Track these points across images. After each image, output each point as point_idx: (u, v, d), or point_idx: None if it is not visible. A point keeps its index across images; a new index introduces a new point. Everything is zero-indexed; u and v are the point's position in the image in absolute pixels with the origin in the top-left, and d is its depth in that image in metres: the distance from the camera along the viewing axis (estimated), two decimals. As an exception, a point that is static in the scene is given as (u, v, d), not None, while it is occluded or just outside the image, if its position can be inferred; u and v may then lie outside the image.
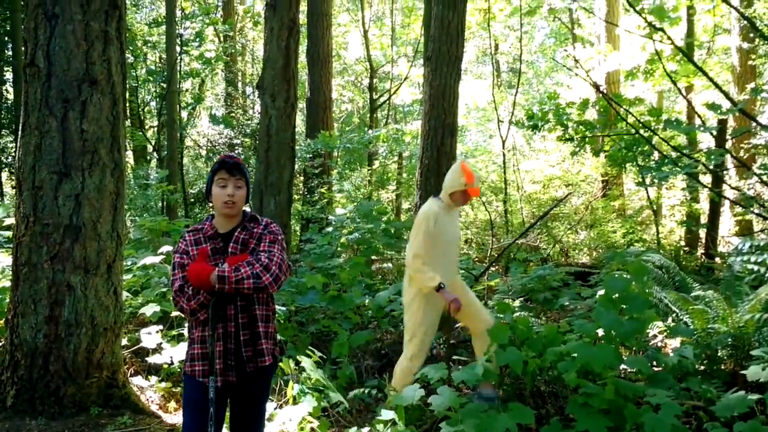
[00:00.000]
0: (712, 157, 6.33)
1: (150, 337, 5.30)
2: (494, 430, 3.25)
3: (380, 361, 6.31)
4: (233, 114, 19.95)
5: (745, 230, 10.61)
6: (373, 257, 10.58)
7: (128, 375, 5.03)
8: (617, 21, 13.96)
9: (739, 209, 10.11)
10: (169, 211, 13.95)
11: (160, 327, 5.53)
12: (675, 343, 5.53)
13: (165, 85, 15.38)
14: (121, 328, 4.91)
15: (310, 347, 5.42)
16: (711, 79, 6.67)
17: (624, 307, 3.73)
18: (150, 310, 5.59)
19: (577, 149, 8.18)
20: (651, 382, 3.80)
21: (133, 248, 7.98)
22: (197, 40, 17.21)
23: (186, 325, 5.37)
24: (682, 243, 10.94)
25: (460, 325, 6.75)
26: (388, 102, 19.49)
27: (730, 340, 4.66)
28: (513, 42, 23.30)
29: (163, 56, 18.42)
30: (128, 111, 17.46)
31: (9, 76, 17.03)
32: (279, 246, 2.96)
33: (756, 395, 3.62)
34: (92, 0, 4.51)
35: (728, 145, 8.75)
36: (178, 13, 16.67)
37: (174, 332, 5.64)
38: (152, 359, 5.18)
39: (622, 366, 3.91)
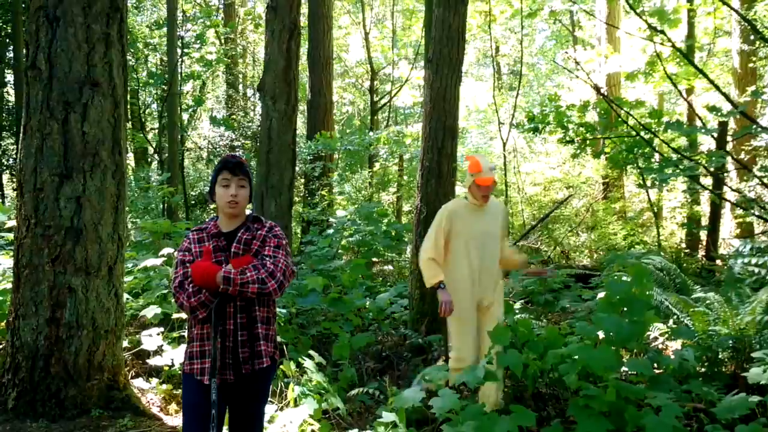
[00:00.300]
0: (713, 159, 6.33)
1: (151, 339, 5.30)
2: (495, 432, 3.25)
3: (381, 363, 6.31)
4: (234, 116, 19.97)
5: (745, 232, 10.62)
6: (374, 259, 10.60)
7: (129, 377, 5.03)
8: (618, 23, 13.97)
9: (739, 211, 10.11)
10: (170, 213, 13.96)
11: (161, 329, 5.53)
12: (676, 345, 5.53)
13: (166, 88, 15.40)
14: (122, 331, 4.91)
15: (310, 349, 5.42)
16: (711, 82, 6.67)
17: (624, 309, 3.73)
18: (151, 312, 5.59)
19: (578, 151, 8.19)
20: (652, 384, 3.79)
21: (134, 250, 7.99)
22: (198, 42, 17.22)
23: (186, 326, 5.40)
24: (683, 245, 10.95)
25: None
26: (388, 104, 19.50)
27: (730, 342, 4.67)
28: (514, 44, 23.32)
29: (164, 59, 18.44)
30: (129, 113, 17.48)
31: (10, 78, 17.07)
32: (283, 251, 3.00)
33: (757, 397, 3.62)
34: (94, 3, 4.52)
35: (729, 147, 8.74)
36: (179, 15, 16.69)
37: (175, 334, 5.64)
38: (153, 361, 5.18)
39: (623, 368, 3.91)
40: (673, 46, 6.69)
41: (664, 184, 9.54)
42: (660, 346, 5.64)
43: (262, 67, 7.73)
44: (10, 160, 16.84)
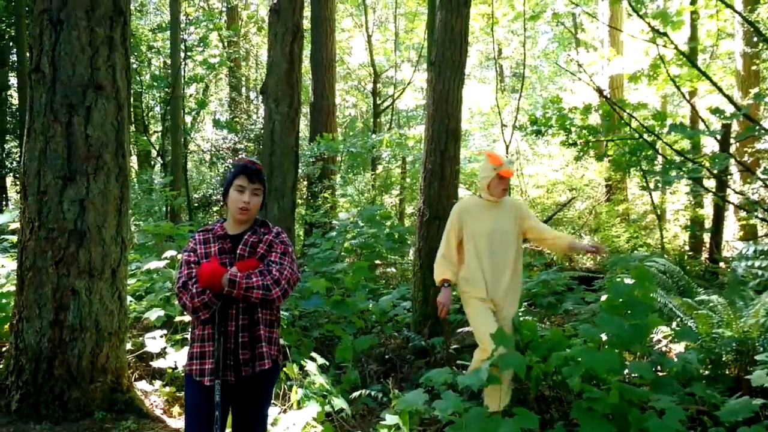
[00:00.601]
0: (716, 161, 6.32)
1: (154, 341, 5.31)
2: (498, 435, 3.24)
3: (384, 366, 6.31)
4: (237, 119, 20.00)
5: (749, 235, 10.59)
6: (377, 262, 10.59)
7: (132, 379, 5.04)
8: (620, 25, 13.97)
9: (743, 214, 10.09)
10: (173, 216, 13.97)
11: (165, 331, 5.54)
12: (679, 347, 5.52)
13: (169, 91, 15.42)
14: (126, 333, 4.92)
15: (313, 352, 5.42)
16: (715, 84, 6.67)
17: (627, 312, 3.72)
18: (154, 314, 5.60)
19: (581, 154, 8.18)
20: (655, 387, 3.79)
21: (138, 253, 8.00)
22: (201, 45, 17.26)
23: (189, 329, 5.40)
24: (687, 248, 10.94)
25: (463, 330, 6.75)
26: (391, 107, 19.51)
27: (734, 344, 4.65)
28: (516, 47, 23.36)
29: (168, 62, 18.45)
30: (133, 116, 17.53)
31: (14, 81, 17.10)
32: (289, 258, 3.01)
33: (760, 400, 3.61)
34: (97, 6, 4.54)
35: (732, 149, 8.73)
36: (183, 18, 16.73)
37: (178, 336, 5.65)
38: (156, 363, 5.19)
39: (626, 371, 3.90)
40: (676, 48, 6.69)
41: (667, 187, 9.54)
42: (663, 349, 5.63)
43: (265, 70, 7.75)
44: (14, 162, 16.87)
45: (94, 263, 4.52)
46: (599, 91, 7.55)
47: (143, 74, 18.40)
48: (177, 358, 5.11)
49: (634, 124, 6.98)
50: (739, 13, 8.48)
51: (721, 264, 8.61)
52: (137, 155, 20.63)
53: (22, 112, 14.76)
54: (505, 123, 14.53)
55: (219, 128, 18.78)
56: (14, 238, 6.67)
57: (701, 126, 10.64)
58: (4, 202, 17.24)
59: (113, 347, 4.65)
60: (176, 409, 4.91)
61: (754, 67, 11.36)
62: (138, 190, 15.24)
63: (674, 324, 5.26)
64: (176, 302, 5.87)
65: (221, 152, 18.92)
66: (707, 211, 11.04)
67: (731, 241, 10.75)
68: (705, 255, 9.88)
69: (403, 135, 16.46)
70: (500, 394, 4.51)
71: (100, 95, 4.56)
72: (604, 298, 4.40)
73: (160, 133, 19.29)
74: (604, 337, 3.91)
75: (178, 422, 4.68)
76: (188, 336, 5.43)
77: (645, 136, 6.82)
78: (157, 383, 5.22)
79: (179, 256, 6.68)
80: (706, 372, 4.69)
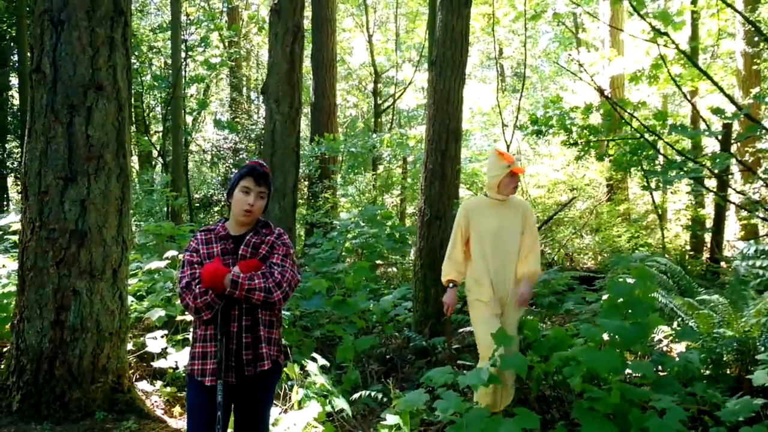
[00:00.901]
0: (717, 161, 6.32)
1: (155, 341, 5.31)
2: (499, 435, 3.24)
3: (385, 366, 6.31)
4: (238, 119, 20.00)
5: (750, 234, 10.59)
6: (378, 262, 10.59)
7: (133, 380, 5.04)
8: (621, 25, 13.96)
9: (744, 213, 10.09)
10: (174, 216, 13.98)
11: (166, 332, 5.54)
12: (680, 347, 5.52)
13: (170, 91, 15.42)
14: (127, 333, 4.92)
15: (314, 352, 5.43)
16: (716, 83, 6.66)
17: (629, 311, 3.72)
18: (155, 314, 5.60)
19: (582, 154, 8.18)
20: (656, 386, 3.79)
21: (139, 253, 8.00)
22: (202, 45, 17.24)
23: (191, 329, 5.40)
24: (688, 247, 10.93)
25: (464, 330, 6.75)
26: (392, 107, 19.51)
27: (735, 344, 4.65)
28: (517, 47, 23.35)
29: (169, 62, 18.45)
30: (134, 116, 17.54)
31: (15, 81, 17.13)
32: (291, 260, 3.03)
33: (761, 400, 3.61)
34: (98, 6, 4.54)
35: (733, 149, 8.73)
36: (183, 18, 16.72)
37: (179, 337, 5.65)
38: (157, 364, 5.19)
39: (627, 371, 3.90)
40: (677, 48, 6.68)
41: (668, 186, 9.53)
42: (664, 349, 5.63)
43: (265, 70, 7.74)
44: (15, 163, 16.89)
45: (95, 263, 4.52)
46: (600, 90, 7.54)
47: (144, 74, 18.41)
48: (178, 359, 5.11)
49: (635, 123, 6.97)
50: (740, 13, 8.48)
51: (722, 264, 8.60)
52: (138, 155, 20.63)
53: (23, 112, 14.78)
54: (506, 123, 14.52)
55: (220, 128, 18.77)
56: (16, 239, 6.67)
57: (702, 126, 10.64)
58: (5, 203, 17.26)
59: (114, 347, 4.65)
60: (177, 410, 4.92)
61: (755, 67, 11.36)
62: (139, 190, 15.25)
63: (675, 324, 5.26)
64: (177, 302, 5.88)
65: (222, 152, 18.92)
66: (708, 210, 11.03)
67: (732, 240, 10.75)
68: (706, 255, 9.87)
69: (403, 135, 16.45)
70: (496, 396, 4.51)
71: (101, 95, 4.57)
72: (605, 297, 4.39)
73: (161, 134, 19.29)
74: (605, 336, 3.91)
75: (179, 422, 4.68)
76: (189, 336, 5.44)
77: (646, 135, 6.82)
78: (158, 383, 5.23)
79: (180, 256, 6.69)
80: (707, 372, 4.69)
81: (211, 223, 11.76)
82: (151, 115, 21.25)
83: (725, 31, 13.33)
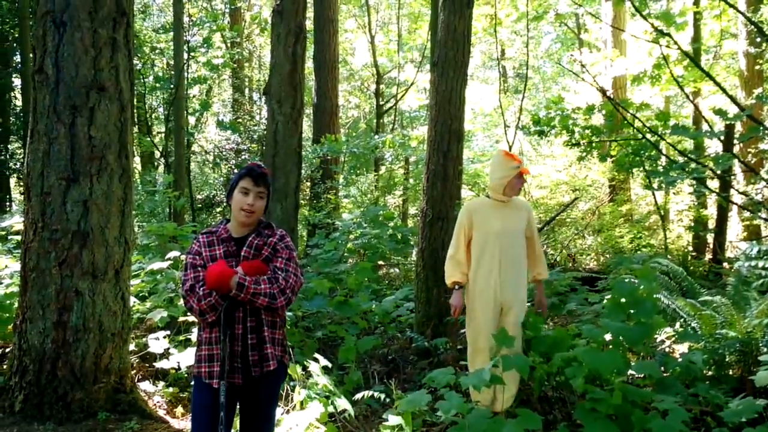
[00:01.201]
0: (720, 162, 6.31)
1: (157, 342, 5.31)
2: (501, 435, 3.24)
3: (387, 366, 6.31)
4: (240, 120, 20.00)
5: (753, 235, 10.57)
6: (380, 262, 10.59)
7: (136, 380, 5.05)
8: (624, 26, 13.95)
9: (746, 214, 10.07)
10: (177, 217, 13.99)
11: (168, 332, 5.55)
12: (683, 348, 5.51)
13: (172, 92, 15.44)
14: (129, 334, 4.93)
15: (316, 352, 5.43)
16: (718, 84, 6.65)
17: (632, 311, 3.72)
18: (157, 315, 5.61)
19: (584, 154, 8.17)
20: (659, 387, 3.78)
21: (141, 253, 8.01)
22: (205, 46, 17.25)
23: (194, 330, 5.41)
24: (690, 248, 10.91)
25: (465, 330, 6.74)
26: (394, 107, 19.51)
27: (738, 345, 4.64)
28: (519, 47, 23.33)
29: (171, 63, 18.49)
30: (136, 117, 17.54)
31: (18, 82, 17.15)
32: (294, 263, 3.04)
33: (764, 401, 3.60)
34: (100, 7, 4.55)
35: (736, 149, 8.71)
36: (186, 19, 16.73)
37: (181, 337, 5.66)
38: (160, 364, 5.20)
39: (630, 371, 3.90)
40: (680, 48, 6.67)
41: (670, 187, 9.52)
42: (667, 350, 5.63)
43: (268, 71, 7.74)
44: (18, 164, 16.91)
45: (97, 264, 4.53)
46: (602, 91, 7.52)
47: (147, 75, 18.41)
48: (180, 359, 5.12)
49: (637, 124, 6.96)
50: (743, 14, 8.47)
51: (725, 264, 8.58)
52: (140, 156, 20.66)
53: (25, 113, 14.79)
54: (508, 123, 14.52)
55: (222, 129, 18.76)
56: (18, 239, 6.68)
57: (705, 126, 10.63)
58: (8, 204, 17.28)
59: (116, 348, 4.65)
60: (179, 410, 4.92)
61: (757, 67, 11.34)
62: (141, 191, 15.26)
63: (677, 325, 5.26)
64: (179, 303, 5.88)
65: (224, 153, 18.92)
66: (711, 211, 11.02)
67: (735, 241, 10.73)
68: (708, 256, 9.85)
69: (406, 136, 16.45)
70: (496, 395, 4.51)
71: (103, 96, 4.57)
72: (608, 298, 4.39)
73: (163, 134, 19.33)
74: (608, 337, 3.91)
75: (182, 423, 4.68)
76: (191, 337, 5.45)
77: (648, 136, 6.81)
78: (161, 384, 5.23)
79: (182, 257, 6.69)
80: (710, 372, 4.69)
81: (213, 223, 11.77)
82: (153, 115, 21.27)
83: (728, 31, 13.31)
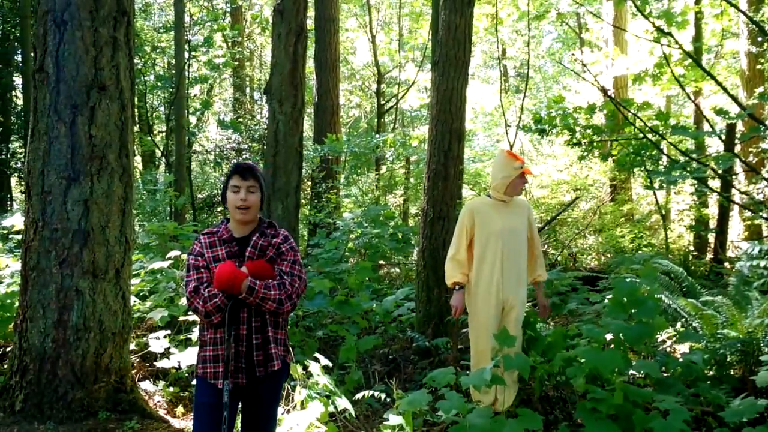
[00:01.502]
0: (721, 161, 6.30)
1: (158, 341, 5.32)
2: (502, 435, 3.24)
3: (388, 366, 6.31)
4: (241, 119, 20.00)
5: (754, 234, 10.56)
6: (381, 262, 10.59)
7: (136, 379, 5.05)
8: (625, 25, 13.93)
9: (748, 214, 10.06)
10: (177, 216, 13.99)
11: (168, 332, 5.55)
12: (684, 348, 5.51)
13: (173, 91, 15.44)
14: (129, 333, 4.92)
15: (317, 352, 5.42)
16: (719, 84, 6.63)
17: (633, 311, 3.71)
18: (158, 314, 5.61)
19: (585, 154, 8.16)
20: (660, 387, 3.78)
21: (142, 253, 8.01)
22: (205, 45, 17.27)
23: (195, 329, 5.41)
24: (691, 248, 10.89)
25: (466, 330, 6.73)
26: (395, 107, 19.50)
27: (739, 345, 4.64)
28: (520, 46, 23.31)
29: (172, 62, 18.50)
30: (137, 116, 17.56)
31: (18, 81, 17.16)
32: (299, 266, 3.05)
33: (765, 401, 3.60)
34: (101, 6, 4.54)
35: (737, 149, 8.69)
36: (187, 19, 16.74)
37: (182, 337, 5.66)
38: (160, 364, 5.20)
39: (631, 371, 3.89)
40: (681, 48, 6.66)
41: (671, 187, 9.51)
42: (668, 350, 5.62)
43: (268, 70, 7.74)
44: (19, 163, 16.93)
45: (97, 263, 4.52)
46: (603, 90, 7.51)
47: (147, 74, 18.44)
48: (181, 359, 5.11)
49: (638, 123, 6.96)
50: (744, 13, 8.44)
51: (726, 264, 8.58)
52: (141, 156, 20.66)
53: (26, 112, 14.80)
54: (509, 123, 14.52)
55: (223, 128, 18.78)
56: (19, 238, 6.68)
57: (706, 126, 10.62)
58: (9, 203, 17.30)
59: (117, 347, 4.65)
60: (180, 410, 4.92)
61: (759, 67, 11.33)
62: (142, 190, 15.27)
63: (679, 325, 5.25)
64: (180, 302, 5.88)
65: (225, 152, 18.92)
66: (712, 211, 11.00)
67: (736, 241, 10.73)
68: (710, 255, 9.83)
69: (406, 135, 16.45)
70: (497, 395, 4.51)
71: (104, 95, 4.57)
72: (609, 297, 4.39)
73: (164, 134, 19.33)
74: (609, 336, 3.90)
75: (182, 422, 4.68)
76: (192, 336, 5.45)
77: (649, 135, 6.81)
78: (161, 383, 5.23)
79: (183, 257, 6.69)
80: (711, 372, 4.68)
81: (214, 223, 11.76)
82: (154, 115, 21.26)
83: (729, 31, 13.29)
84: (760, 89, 10.79)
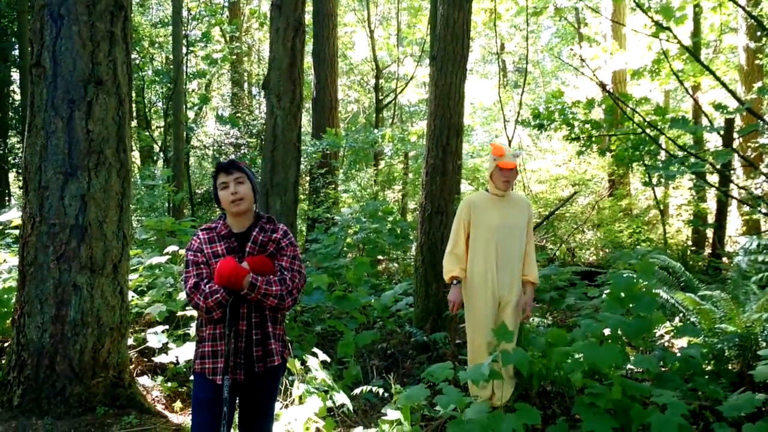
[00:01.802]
0: (720, 156, 6.30)
1: (156, 336, 5.31)
2: (500, 430, 3.24)
3: (386, 361, 6.31)
4: (239, 114, 19.98)
5: (752, 229, 10.57)
6: (379, 257, 10.59)
7: (134, 375, 5.04)
8: (623, 20, 13.93)
9: (746, 208, 10.07)
10: (175, 211, 13.98)
11: (166, 327, 5.54)
12: (682, 343, 5.51)
13: (171, 86, 15.41)
14: (127, 328, 4.92)
15: (315, 347, 5.42)
16: (718, 78, 6.63)
17: (631, 306, 3.71)
18: (156, 309, 5.60)
19: (584, 149, 8.16)
20: (658, 382, 3.78)
21: (140, 248, 8.00)
22: (203, 40, 17.23)
23: (193, 324, 5.41)
24: (689, 243, 10.91)
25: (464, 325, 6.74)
26: (393, 102, 19.48)
27: (737, 339, 4.64)
28: (519, 41, 23.28)
29: (170, 57, 18.45)
30: (135, 111, 17.54)
31: (16, 76, 17.14)
32: (299, 261, 3.06)
33: (763, 395, 3.61)
34: (98, 1, 4.53)
35: (735, 144, 8.71)
36: (185, 13, 16.70)
37: (180, 332, 5.65)
38: (158, 359, 5.20)
39: (629, 366, 3.90)
40: (679, 43, 6.66)
41: (670, 182, 9.51)
42: (666, 344, 5.63)
43: (267, 65, 7.72)
44: (16, 158, 16.90)
45: (95, 258, 4.51)
46: (602, 85, 7.51)
47: (145, 69, 18.37)
48: (179, 354, 5.11)
49: (636, 118, 6.95)
50: (743, 8, 8.45)
51: (724, 259, 8.59)
52: (140, 151, 20.62)
53: (24, 107, 14.78)
54: (507, 118, 14.51)
55: (221, 123, 18.77)
56: (17, 234, 6.67)
57: (704, 121, 10.62)
58: (6, 198, 17.28)
59: (115, 342, 4.65)
60: (178, 405, 4.92)
61: (757, 62, 11.33)
62: (140, 185, 15.26)
63: (677, 319, 5.26)
64: (178, 297, 5.88)
65: (224, 148, 18.90)
66: (710, 205, 11.01)
67: (734, 236, 10.74)
68: (708, 250, 9.85)
69: (405, 130, 16.43)
70: (494, 390, 4.51)
71: (101, 90, 4.55)
72: (607, 292, 4.39)
73: (162, 129, 19.29)
74: (606, 331, 3.90)
75: (180, 417, 4.68)
76: (190, 331, 5.45)
77: (648, 130, 6.81)
78: (159, 379, 5.23)
79: (181, 252, 6.68)
80: (709, 367, 4.69)
81: (212, 218, 11.76)
82: (152, 110, 21.22)
83: (727, 25, 13.29)
84: (759, 84, 10.78)
